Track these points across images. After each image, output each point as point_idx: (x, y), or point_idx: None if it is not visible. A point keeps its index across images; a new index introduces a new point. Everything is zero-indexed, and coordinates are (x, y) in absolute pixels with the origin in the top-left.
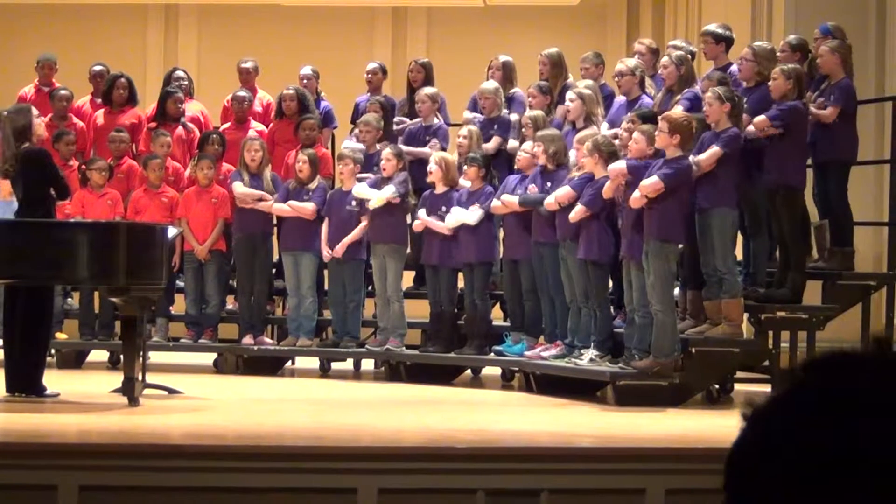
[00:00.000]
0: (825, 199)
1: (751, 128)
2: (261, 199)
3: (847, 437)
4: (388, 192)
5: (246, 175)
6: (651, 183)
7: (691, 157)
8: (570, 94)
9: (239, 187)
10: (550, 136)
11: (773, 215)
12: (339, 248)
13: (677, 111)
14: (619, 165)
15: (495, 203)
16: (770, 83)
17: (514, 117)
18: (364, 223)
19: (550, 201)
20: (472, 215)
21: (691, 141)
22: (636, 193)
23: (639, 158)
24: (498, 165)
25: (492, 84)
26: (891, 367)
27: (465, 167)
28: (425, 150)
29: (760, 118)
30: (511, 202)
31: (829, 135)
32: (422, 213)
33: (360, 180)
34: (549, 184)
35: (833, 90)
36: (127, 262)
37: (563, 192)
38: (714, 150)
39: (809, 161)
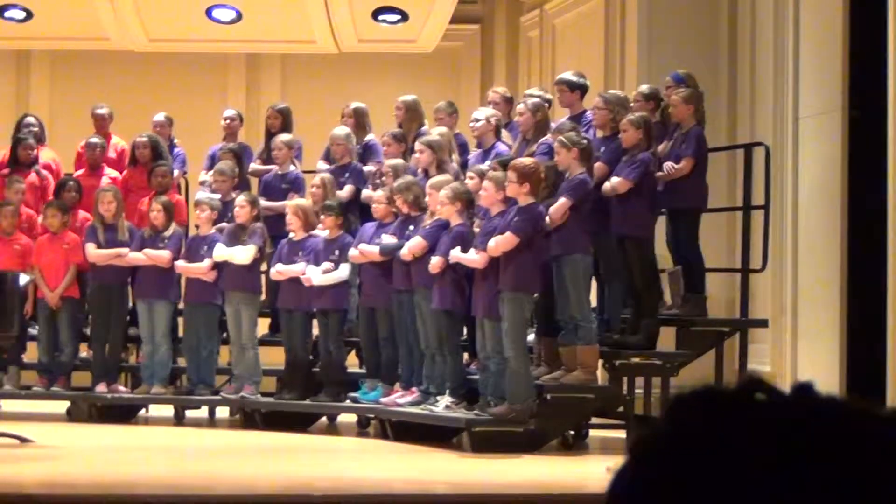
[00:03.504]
0: (677, 246)
1: (607, 185)
2: (118, 255)
3: (730, 474)
4: (251, 250)
5: (101, 228)
6: (505, 240)
7: (543, 209)
8: (417, 145)
9: (92, 250)
10: (406, 185)
11: (623, 263)
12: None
13: (526, 159)
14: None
15: (353, 252)
16: (620, 134)
17: (369, 168)
18: (209, 261)
19: (405, 252)
20: (343, 272)
21: (541, 188)
22: (492, 244)
23: (489, 206)
24: (352, 212)
25: (343, 130)
26: (765, 409)
27: (321, 216)
28: (285, 203)
29: (619, 181)
30: (371, 252)
31: (678, 183)
32: (279, 266)
33: (219, 231)
34: (411, 227)
35: (685, 139)
36: None
37: (416, 242)
38: (562, 202)
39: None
